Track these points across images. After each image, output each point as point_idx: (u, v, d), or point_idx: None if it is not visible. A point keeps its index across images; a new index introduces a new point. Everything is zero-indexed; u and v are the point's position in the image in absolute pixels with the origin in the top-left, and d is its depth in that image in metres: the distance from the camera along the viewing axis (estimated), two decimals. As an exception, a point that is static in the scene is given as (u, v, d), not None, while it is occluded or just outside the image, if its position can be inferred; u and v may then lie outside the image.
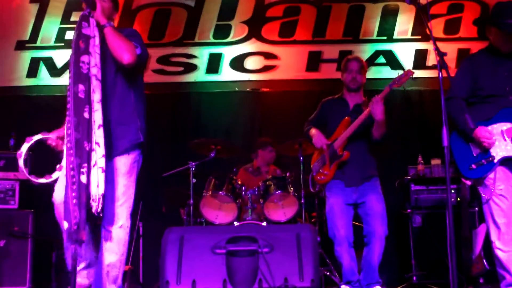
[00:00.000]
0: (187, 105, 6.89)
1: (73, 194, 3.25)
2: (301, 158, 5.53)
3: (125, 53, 3.49)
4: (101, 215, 3.39)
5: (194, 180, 5.57)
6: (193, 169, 5.58)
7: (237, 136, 6.64)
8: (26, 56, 6.98)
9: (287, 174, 5.52)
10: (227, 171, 5.72)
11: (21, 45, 7.01)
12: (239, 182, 5.52)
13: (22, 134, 6.12)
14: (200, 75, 6.92)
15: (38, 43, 7.02)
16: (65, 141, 3.35)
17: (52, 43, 7.02)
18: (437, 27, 6.71)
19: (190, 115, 6.85)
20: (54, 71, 6.95)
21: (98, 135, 3.37)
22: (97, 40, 3.48)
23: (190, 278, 3.85)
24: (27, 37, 7.01)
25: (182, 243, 3.99)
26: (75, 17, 7.03)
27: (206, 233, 4.20)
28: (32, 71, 6.94)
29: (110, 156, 3.54)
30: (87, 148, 3.32)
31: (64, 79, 6.90)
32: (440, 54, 3.51)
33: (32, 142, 3.67)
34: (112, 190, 3.58)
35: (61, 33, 7.02)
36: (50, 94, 6.88)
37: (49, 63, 6.96)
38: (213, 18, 7.04)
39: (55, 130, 3.76)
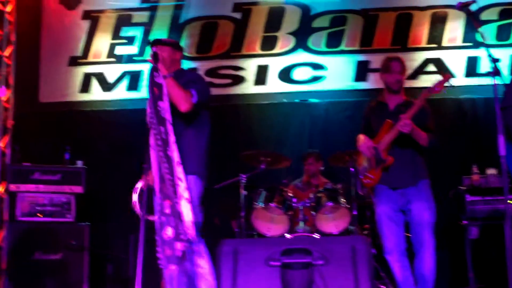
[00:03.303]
0: (236, 117, 6.93)
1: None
2: (351, 169, 5.49)
3: (182, 103, 3.99)
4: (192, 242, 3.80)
5: (245, 192, 5.61)
6: (244, 181, 5.62)
7: (287, 148, 6.60)
8: (79, 72, 7.16)
9: (338, 185, 5.50)
10: (277, 182, 5.72)
11: (74, 61, 7.19)
12: (290, 194, 5.53)
13: (76, 148, 6.38)
14: (248, 87, 6.96)
15: (90, 59, 7.19)
16: (154, 178, 3.82)
17: (103, 59, 7.18)
18: (488, 33, 6.58)
19: (239, 127, 6.88)
20: (106, 86, 7.11)
21: (179, 171, 3.81)
22: (166, 89, 3.93)
23: (245, 290, 3.87)
24: (79, 53, 7.19)
25: (236, 255, 4.01)
26: (124, 32, 7.21)
27: (260, 245, 4.21)
28: (85, 86, 7.12)
29: None
30: (172, 183, 3.77)
31: (115, 94, 7.10)
32: (494, 61, 3.45)
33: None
34: None
35: (111, 48, 7.19)
36: (102, 109, 7.06)
37: (101, 78, 7.13)
38: (259, 30, 7.09)
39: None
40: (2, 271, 5.95)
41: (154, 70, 3.98)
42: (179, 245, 3.69)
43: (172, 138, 3.85)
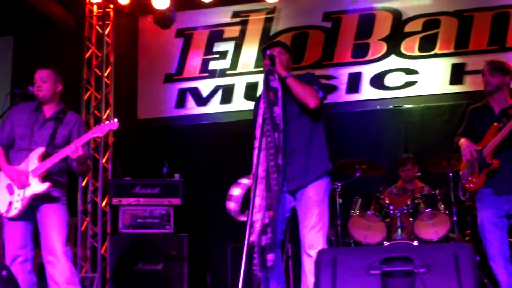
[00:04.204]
0: (329, 126, 6.77)
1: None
2: (450, 174, 5.30)
3: (310, 100, 3.83)
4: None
5: (341, 201, 5.55)
6: (339, 189, 5.56)
7: (382, 155, 6.48)
8: (174, 88, 7.39)
9: (437, 191, 5.33)
10: (373, 190, 5.63)
11: (169, 78, 7.43)
12: (387, 201, 5.43)
13: (174, 161, 6.56)
14: (340, 95, 6.92)
15: (184, 75, 7.40)
16: (256, 183, 3.61)
17: (197, 74, 7.37)
18: None
19: (333, 135, 6.72)
20: (200, 101, 7.28)
21: None
22: (280, 92, 3.80)
23: (345, 299, 3.80)
24: (174, 70, 7.43)
25: (335, 264, 3.95)
26: (216, 47, 7.37)
27: (358, 253, 4.11)
28: (180, 102, 7.33)
29: (303, 186, 3.84)
30: (277, 194, 3.66)
31: (209, 108, 7.24)
32: None
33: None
34: (308, 218, 3.82)
35: (204, 64, 7.37)
36: (197, 123, 7.22)
37: (195, 93, 7.31)
38: (350, 38, 7.05)
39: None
40: (106, 280, 6.20)
41: (269, 74, 3.81)
42: (271, 256, 3.64)
43: (281, 146, 3.71)
